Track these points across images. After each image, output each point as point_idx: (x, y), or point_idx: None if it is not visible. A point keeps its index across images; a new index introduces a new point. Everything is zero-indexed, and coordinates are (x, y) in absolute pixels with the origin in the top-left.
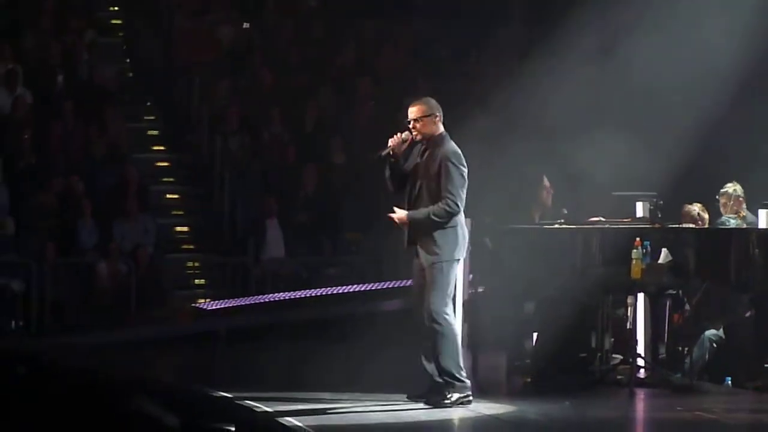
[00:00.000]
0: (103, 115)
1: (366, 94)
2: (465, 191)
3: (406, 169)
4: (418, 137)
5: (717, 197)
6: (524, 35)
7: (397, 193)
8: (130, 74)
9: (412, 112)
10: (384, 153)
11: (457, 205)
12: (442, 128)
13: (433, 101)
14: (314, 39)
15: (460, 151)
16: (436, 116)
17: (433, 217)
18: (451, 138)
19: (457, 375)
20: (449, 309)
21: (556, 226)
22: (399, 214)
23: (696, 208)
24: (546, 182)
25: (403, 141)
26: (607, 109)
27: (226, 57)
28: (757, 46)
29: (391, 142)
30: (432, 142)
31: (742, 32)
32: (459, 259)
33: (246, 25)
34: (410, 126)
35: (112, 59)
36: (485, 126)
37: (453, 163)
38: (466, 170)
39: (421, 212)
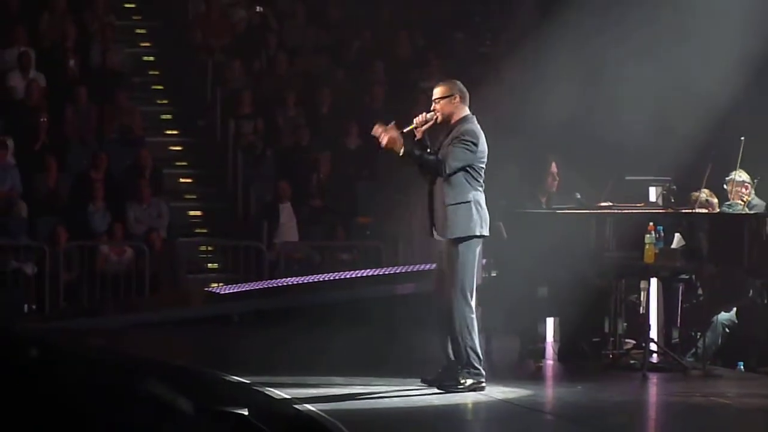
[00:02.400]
0: (117, 99)
1: (380, 78)
2: (474, 168)
3: (430, 153)
4: (439, 118)
5: (724, 185)
6: (539, 16)
7: (425, 178)
8: (144, 58)
9: (435, 92)
10: (407, 129)
11: (444, 169)
12: (466, 111)
13: (457, 83)
14: (329, 22)
15: (479, 131)
16: (456, 97)
17: (418, 158)
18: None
19: (473, 362)
20: (467, 293)
21: (569, 210)
22: (390, 134)
23: (704, 194)
24: (554, 168)
25: (426, 121)
26: (620, 92)
27: (241, 40)
28: None
29: (415, 120)
30: (454, 123)
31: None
32: (477, 237)
33: (260, 8)
34: (432, 107)
35: (126, 43)
36: (501, 109)
37: (463, 140)
38: (479, 149)
39: (419, 154)
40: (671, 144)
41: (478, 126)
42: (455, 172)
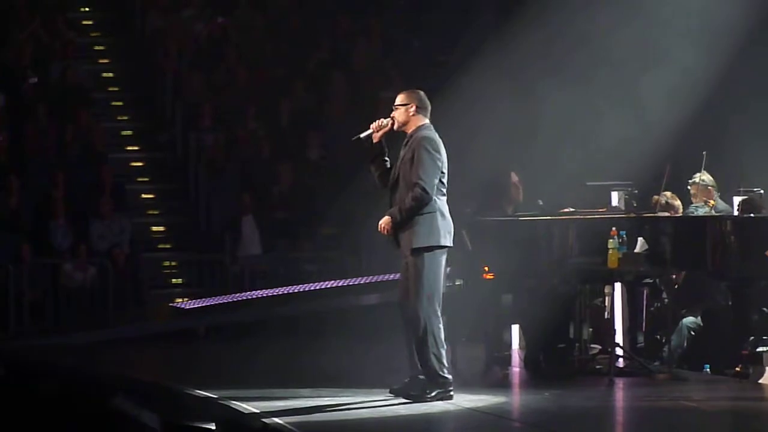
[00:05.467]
0: (77, 115)
1: (340, 89)
2: (437, 178)
3: (387, 160)
4: (395, 125)
5: (688, 187)
6: (498, 24)
7: (384, 187)
8: (103, 74)
9: (396, 99)
10: (363, 135)
11: (427, 192)
12: (423, 120)
13: (416, 93)
14: (288, 34)
15: (437, 140)
16: (413, 106)
17: (404, 209)
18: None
19: (440, 371)
20: (433, 302)
21: (532, 218)
22: (383, 221)
23: (664, 197)
24: (514, 178)
25: (382, 126)
26: (583, 98)
27: (200, 53)
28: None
29: (372, 126)
30: (412, 132)
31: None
32: (440, 247)
33: (220, 20)
34: (391, 114)
35: (85, 60)
36: (459, 118)
37: (425, 149)
38: (441, 157)
39: (396, 210)
40: (632, 148)
41: (437, 134)
42: (431, 183)
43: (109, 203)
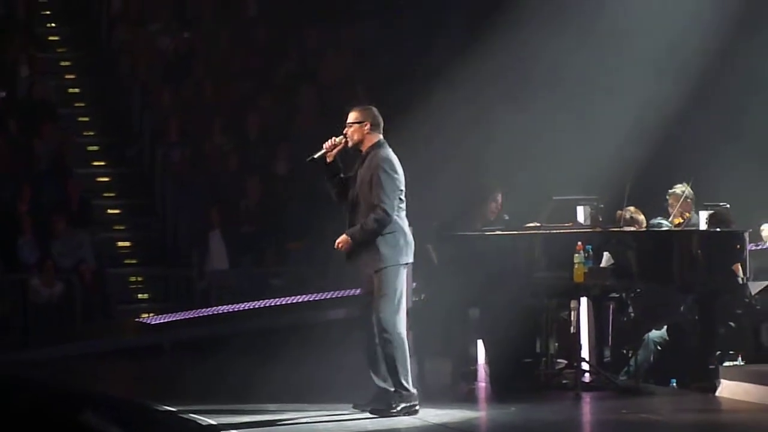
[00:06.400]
0: (43, 131)
1: (309, 102)
2: (397, 198)
3: (343, 178)
4: (349, 143)
5: (667, 197)
6: (467, 37)
7: (341, 205)
8: (69, 90)
9: (349, 117)
10: (318, 155)
11: (387, 213)
12: (377, 137)
13: (370, 110)
14: (255, 47)
15: (394, 159)
16: (367, 124)
17: (366, 230)
18: (391, 146)
19: (405, 385)
20: (398, 318)
21: (498, 232)
22: (340, 239)
23: (628, 211)
24: (499, 198)
25: (336, 145)
26: (548, 111)
27: (167, 68)
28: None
29: (325, 145)
30: (367, 150)
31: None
32: (404, 264)
33: (186, 34)
34: (344, 131)
35: (51, 75)
36: (426, 132)
37: (384, 170)
38: (399, 177)
39: (356, 230)
40: (597, 163)
41: (392, 151)
42: (392, 204)
43: (61, 221)
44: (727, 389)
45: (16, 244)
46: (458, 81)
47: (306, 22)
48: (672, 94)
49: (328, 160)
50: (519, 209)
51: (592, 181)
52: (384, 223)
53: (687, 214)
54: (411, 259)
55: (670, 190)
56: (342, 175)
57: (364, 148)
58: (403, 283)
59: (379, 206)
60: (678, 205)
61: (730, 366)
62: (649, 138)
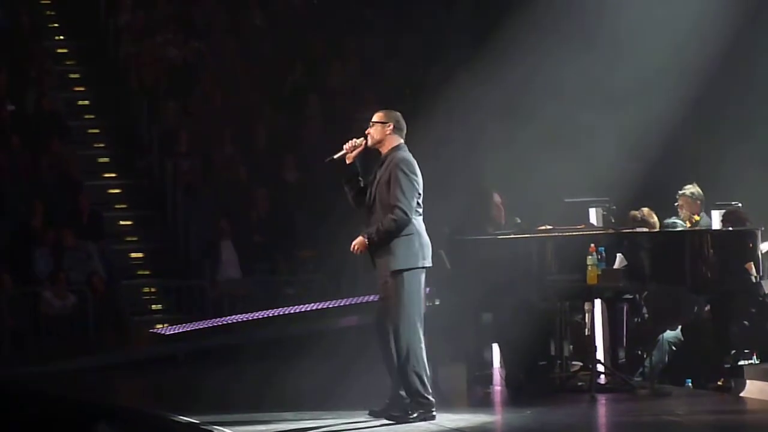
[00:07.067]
0: (53, 143)
1: (315, 111)
2: (415, 199)
3: (361, 181)
4: (369, 142)
5: (677, 197)
6: (472, 47)
7: (359, 208)
8: (79, 102)
9: (373, 117)
10: (337, 156)
11: (406, 214)
12: (398, 140)
13: (395, 113)
14: (263, 57)
15: (413, 161)
16: (390, 125)
17: (383, 231)
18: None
19: (422, 392)
20: (415, 323)
21: (511, 236)
22: (356, 242)
23: (640, 213)
24: (497, 198)
25: (356, 146)
26: (558, 116)
27: (174, 79)
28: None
29: (345, 146)
30: (387, 153)
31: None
32: (422, 268)
33: (194, 45)
34: (366, 131)
35: (60, 88)
36: (436, 139)
37: (402, 171)
38: (417, 178)
39: (372, 231)
40: (606, 167)
41: (411, 155)
42: (410, 205)
43: (69, 234)
44: (753, 389)
45: (30, 257)
46: (463, 91)
47: (313, 32)
48: (680, 99)
49: (348, 161)
50: (529, 212)
51: (601, 183)
52: (402, 223)
53: (696, 217)
54: (429, 263)
55: (679, 191)
56: (360, 179)
57: (384, 149)
58: (419, 286)
59: (397, 206)
60: (687, 205)
61: (748, 365)
62: (657, 142)
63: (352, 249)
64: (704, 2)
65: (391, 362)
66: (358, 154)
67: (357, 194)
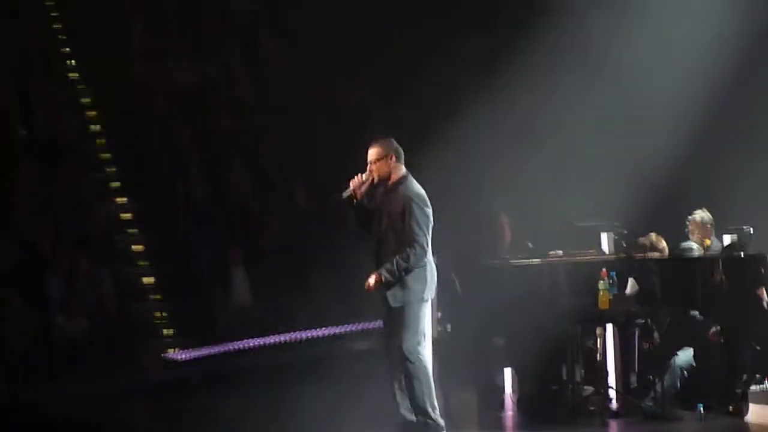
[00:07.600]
0: (64, 168)
1: (327, 134)
2: (430, 232)
3: (371, 210)
4: (375, 178)
5: (687, 222)
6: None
7: (367, 235)
8: (90, 126)
9: (370, 154)
10: (345, 195)
11: (423, 248)
12: (403, 169)
13: (390, 142)
14: (276, 81)
15: (424, 194)
16: (392, 157)
17: (402, 267)
18: (413, 175)
19: (432, 415)
20: (422, 348)
21: (522, 261)
22: (373, 279)
23: (647, 239)
24: (504, 220)
25: (363, 182)
26: (567, 137)
27: (186, 103)
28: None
29: (351, 183)
30: (394, 183)
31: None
32: (428, 299)
33: (205, 70)
34: (369, 168)
35: (71, 112)
36: (443, 158)
37: (417, 205)
38: (430, 211)
39: (391, 269)
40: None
41: (419, 185)
42: (427, 240)
43: (81, 258)
44: (756, 413)
45: (41, 281)
46: (475, 119)
47: (325, 56)
48: (690, 124)
49: (357, 198)
50: (541, 238)
51: (611, 209)
52: (421, 259)
53: (707, 241)
54: (434, 294)
55: (689, 217)
56: (368, 212)
57: (392, 181)
58: (426, 315)
59: (416, 242)
60: (697, 230)
61: (757, 390)
62: (667, 167)
63: (367, 288)
64: (713, 25)
65: (400, 388)
66: (366, 190)
67: (365, 224)
